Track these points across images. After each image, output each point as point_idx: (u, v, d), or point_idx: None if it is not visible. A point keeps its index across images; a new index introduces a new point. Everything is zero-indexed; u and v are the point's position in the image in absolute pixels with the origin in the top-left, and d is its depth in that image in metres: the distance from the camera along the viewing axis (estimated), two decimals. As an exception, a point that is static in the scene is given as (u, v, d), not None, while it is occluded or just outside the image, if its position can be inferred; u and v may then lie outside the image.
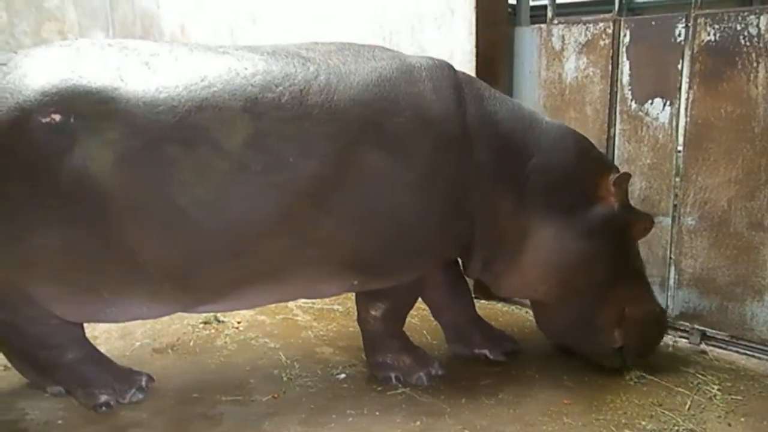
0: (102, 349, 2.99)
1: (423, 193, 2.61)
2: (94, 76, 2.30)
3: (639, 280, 2.99)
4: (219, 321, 3.61)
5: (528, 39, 3.66)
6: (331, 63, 2.55)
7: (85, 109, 2.25)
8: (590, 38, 3.39)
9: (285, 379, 3.01)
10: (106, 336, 3.38)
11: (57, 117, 2.23)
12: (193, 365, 3.15)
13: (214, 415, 2.71)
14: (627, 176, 2.87)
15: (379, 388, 2.91)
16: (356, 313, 3.03)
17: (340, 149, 2.45)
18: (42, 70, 2.30)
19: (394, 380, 2.95)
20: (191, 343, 3.37)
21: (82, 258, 2.37)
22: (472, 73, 3.63)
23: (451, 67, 2.79)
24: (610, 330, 2.92)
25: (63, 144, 2.24)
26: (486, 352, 3.16)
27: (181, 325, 3.55)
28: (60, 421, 2.66)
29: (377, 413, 2.71)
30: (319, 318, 3.69)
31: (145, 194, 2.31)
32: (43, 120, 2.22)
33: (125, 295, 2.49)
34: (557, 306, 2.95)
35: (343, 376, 3.04)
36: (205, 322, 3.58)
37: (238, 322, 3.60)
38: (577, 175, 2.84)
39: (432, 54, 3.79)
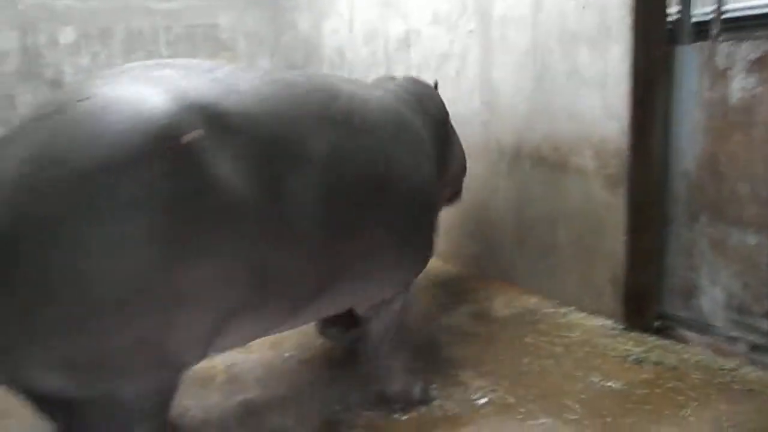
0: (253, 357, 3.17)
1: None
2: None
3: None
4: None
5: (689, 58, 3.45)
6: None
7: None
8: (761, 55, 3.14)
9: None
10: (258, 346, 3.58)
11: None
12: (335, 379, 3.26)
13: (355, 425, 2.80)
14: None
15: (519, 417, 2.84)
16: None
17: None
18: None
19: None
20: (336, 357, 3.49)
21: None
22: (627, 95, 3.50)
23: None
24: None
25: None
26: None
27: (326, 339, 3.68)
28: None
29: (515, 442, 2.66)
30: (460, 341, 3.69)
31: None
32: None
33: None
34: None
35: (483, 401, 3.01)
36: (352, 341, 3.67)
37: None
38: None
39: (585, 76, 3.71)
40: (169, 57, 6.84)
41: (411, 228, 2.87)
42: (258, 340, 3.57)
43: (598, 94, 3.65)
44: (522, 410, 2.90)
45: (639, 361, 3.31)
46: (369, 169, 2.63)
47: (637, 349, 3.43)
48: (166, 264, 1.92)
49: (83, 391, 1.97)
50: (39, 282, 1.79)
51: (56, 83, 6.63)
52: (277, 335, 3.58)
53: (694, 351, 3.42)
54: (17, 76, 6.52)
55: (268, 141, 2.24)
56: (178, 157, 1.96)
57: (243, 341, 2.54)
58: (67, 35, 6.63)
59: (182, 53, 6.92)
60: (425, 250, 3.09)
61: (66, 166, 1.82)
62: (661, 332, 3.62)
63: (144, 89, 2.05)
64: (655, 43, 3.54)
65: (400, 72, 5.34)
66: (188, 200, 1.96)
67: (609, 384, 3.12)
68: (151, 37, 6.96)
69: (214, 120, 2.09)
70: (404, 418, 2.87)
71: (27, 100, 6.55)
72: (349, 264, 2.59)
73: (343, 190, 2.47)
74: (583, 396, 3.00)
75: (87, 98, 1.99)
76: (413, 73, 5.14)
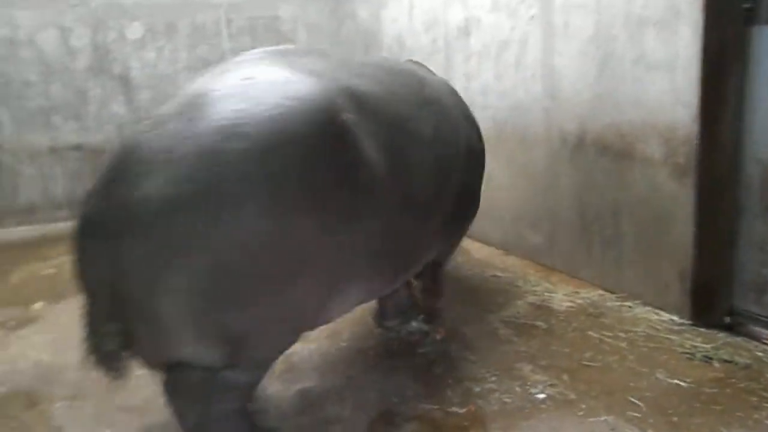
0: (311, 347, 3.19)
1: None
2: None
3: None
4: (423, 331, 3.67)
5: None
6: None
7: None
8: None
9: (481, 392, 2.99)
10: (317, 335, 3.62)
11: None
12: (392, 369, 3.25)
13: (411, 417, 2.78)
14: None
15: (580, 413, 2.77)
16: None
17: None
18: None
19: None
20: (393, 348, 3.49)
21: None
22: (697, 79, 3.33)
23: None
24: None
25: None
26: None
27: (384, 330, 3.68)
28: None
29: (575, 439, 2.58)
30: (520, 333, 3.62)
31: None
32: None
33: None
34: None
35: (542, 396, 2.95)
36: (410, 332, 3.68)
37: (440, 333, 3.65)
38: None
39: (652, 60, 3.56)
40: (232, 50, 6.97)
41: (472, 195, 3.31)
42: (315, 330, 3.63)
43: (665, 80, 3.50)
44: (583, 406, 2.82)
45: (708, 359, 3.17)
46: (452, 145, 2.93)
47: (706, 346, 3.29)
48: (328, 234, 2.04)
49: (225, 360, 2.00)
50: (214, 255, 1.81)
51: (123, 78, 6.84)
52: (335, 324, 3.64)
53: (768, 349, 3.26)
54: (89, 72, 6.77)
55: (391, 120, 2.45)
56: (340, 134, 2.11)
57: (349, 308, 2.67)
58: (134, 31, 6.82)
59: (244, 46, 7.02)
60: (475, 211, 3.55)
61: (250, 139, 1.87)
62: (731, 329, 3.46)
63: (290, 73, 2.17)
64: (729, 23, 3.35)
65: (459, 60, 5.27)
66: (348, 173, 2.11)
67: (675, 382, 3.00)
68: (213, 30, 7.10)
69: (353, 100, 2.27)
70: (461, 411, 2.83)
71: (97, 95, 6.79)
72: (437, 230, 2.89)
73: (439, 164, 2.73)
74: (647, 393, 2.90)
75: (250, 78, 2.09)
76: (473, 61, 5.07)
